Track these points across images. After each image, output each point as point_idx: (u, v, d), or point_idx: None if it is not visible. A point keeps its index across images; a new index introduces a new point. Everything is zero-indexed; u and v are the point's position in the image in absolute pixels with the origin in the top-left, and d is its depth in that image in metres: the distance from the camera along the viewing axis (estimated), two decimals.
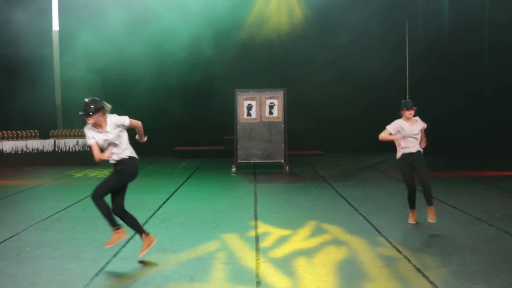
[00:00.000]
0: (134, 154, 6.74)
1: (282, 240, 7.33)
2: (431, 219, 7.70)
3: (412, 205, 8.12)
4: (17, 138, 16.57)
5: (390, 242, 7.08)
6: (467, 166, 14.95)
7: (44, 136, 17.02)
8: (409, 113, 7.90)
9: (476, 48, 16.76)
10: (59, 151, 16.79)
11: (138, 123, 6.96)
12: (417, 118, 8.02)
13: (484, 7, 16.61)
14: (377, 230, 7.79)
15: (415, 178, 7.94)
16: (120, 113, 17.77)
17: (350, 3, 18.30)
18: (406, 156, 7.88)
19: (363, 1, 18.49)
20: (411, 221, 8.14)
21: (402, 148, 7.89)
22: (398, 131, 7.86)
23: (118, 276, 5.90)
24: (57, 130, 17.37)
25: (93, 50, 18.07)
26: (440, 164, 15.22)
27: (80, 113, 6.53)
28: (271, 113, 14.63)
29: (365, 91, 18.59)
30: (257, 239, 7.38)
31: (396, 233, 7.58)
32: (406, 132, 7.84)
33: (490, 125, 16.61)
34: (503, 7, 16.27)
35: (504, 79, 16.38)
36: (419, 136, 7.94)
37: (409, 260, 6.27)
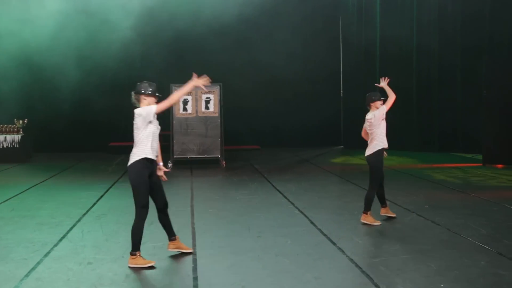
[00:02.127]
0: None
1: (219, 235, 7.37)
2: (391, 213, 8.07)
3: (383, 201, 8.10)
4: None
5: (324, 234, 7.25)
6: (397, 159, 15.45)
7: None
8: (381, 103, 7.98)
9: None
10: None
11: None
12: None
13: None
14: (312, 223, 7.95)
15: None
16: (50, 110, 17.27)
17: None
18: (382, 151, 7.80)
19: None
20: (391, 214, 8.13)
21: (380, 142, 7.76)
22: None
23: (50, 276, 5.76)
24: None
25: (20, 43, 17.41)
26: None
27: (159, 95, 6.65)
28: (207, 108, 14.63)
29: (298, 87, 18.79)
30: (193, 235, 7.38)
31: (330, 225, 7.76)
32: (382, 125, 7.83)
33: (420, 120, 17.26)
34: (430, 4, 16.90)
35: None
36: None
37: (343, 252, 6.44)
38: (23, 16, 17.46)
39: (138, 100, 6.55)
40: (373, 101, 8.01)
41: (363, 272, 5.70)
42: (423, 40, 17.00)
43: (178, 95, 6.48)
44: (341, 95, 19.52)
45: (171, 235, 6.45)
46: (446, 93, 16.61)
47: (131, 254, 6.05)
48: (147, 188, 6.26)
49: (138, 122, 6.37)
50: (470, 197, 9.83)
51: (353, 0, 18.71)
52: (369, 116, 7.91)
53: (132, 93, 6.56)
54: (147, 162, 6.22)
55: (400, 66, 17.47)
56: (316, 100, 18.97)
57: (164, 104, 6.37)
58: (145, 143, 6.28)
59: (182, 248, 6.44)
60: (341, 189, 11.04)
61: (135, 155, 6.29)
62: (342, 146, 19.26)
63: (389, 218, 8.14)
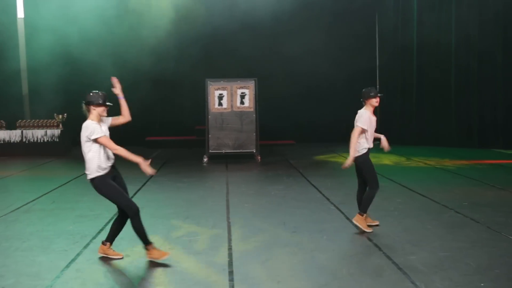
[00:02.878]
0: None
1: (254, 229, 7.38)
2: (374, 221, 7.42)
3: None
4: None
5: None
6: (435, 154, 15.21)
7: (11, 126, 16.73)
8: (377, 100, 7.53)
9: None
10: (27, 142, 16.52)
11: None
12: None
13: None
14: (348, 218, 7.89)
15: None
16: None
17: None
18: (369, 151, 7.47)
19: None
20: (375, 222, 7.45)
21: (367, 142, 7.50)
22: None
23: (89, 267, 5.87)
24: (24, 120, 17.09)
25: (60, 39, 17.77)
26: (410, 153, 15.45)
27: (109, 104, 6.51)
28: (242, 103, 14.64)
29: (333, 82, 18.65)
30: (229, 228, 7.41)
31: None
32: (372, 124, 7.45)
33: (459, 116, 16.95)
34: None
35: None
36: None
37: (379, 248, 6.38)
38: (62, 12, 17.78)
39: (88, 111, 6.36)
40: (370, 97, 7.58)
41: (399, 269, 5.63)
42: (462, 35, 16.67)
43: (123, 153, 6.26)
44: (377, 89, 19.29)
45: (109, 240, 6.25)
46: (486, 89, 16.27)
47: (146, 248, 6.07)
48: (119, 189, 6.20)
49: (83, 137, 6.20)
50: (511, 194, 9.61)
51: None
52: (359, 112, 7.59)
53: (82, 103, 6.36)
54: (106, 171, 6.15)
55: (438, 62, 17.20)
56: (351, 95, 18.75)
57: (109, 144, 6.27)
58: (97, 158, 6.20)
59: (109, 254, 6.18)
60: None
61: (93, 172, 6.18)
62: (378, 142, 19.02)
63: (425, 213, 8.02)
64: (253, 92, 14.60)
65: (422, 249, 6.31)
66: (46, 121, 16.82)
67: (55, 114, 16.64)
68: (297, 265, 5.88)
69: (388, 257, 6.01)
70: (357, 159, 7.36)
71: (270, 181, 11.51)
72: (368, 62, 19.05)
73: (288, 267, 5.82)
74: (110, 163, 6.22)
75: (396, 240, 6.75)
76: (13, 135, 16.49)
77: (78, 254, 6.31)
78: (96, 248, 6.52)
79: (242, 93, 14.62)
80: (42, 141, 16.60)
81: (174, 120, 18.85)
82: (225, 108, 14.59)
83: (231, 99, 14.58)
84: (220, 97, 14.58)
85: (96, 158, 6.12)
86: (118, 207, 6.20)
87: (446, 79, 17.03)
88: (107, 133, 6.31)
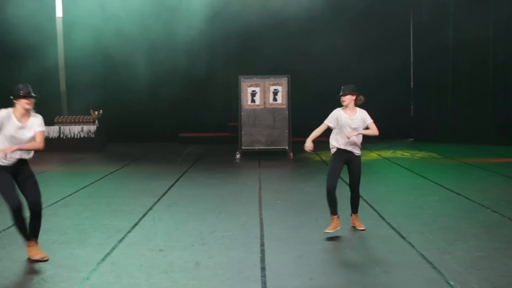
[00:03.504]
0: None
1: (286, 226, 7.36)
2: (360, 226, 7.07)
3: (334, 210, 6.89)
4: None
5: (394, 228, 7.10)
6: (471, 152, 14.93)
7: (49, 122, 17.03)
8: (341, 100, 7.24)
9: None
10: (64, 138, 16.83)
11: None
12: (361, 110, 7.25)
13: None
14: (381, 216, 7.81)
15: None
16: (123, 101, 17.79)
17: None
18: (340, 151, 7.12)
19: None
20: (330, 229, 6.72)
21: (337, 141, 7.14)
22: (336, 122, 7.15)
23: (124, 261, 5.94)
24: (62, 116, 17.40)
25: (96, 37, 18.05)
26: (445, 151, 15.20)
27: (34, 95, 6.20)
28: (275, 99, 14.62)
29: (367, 79, 18.45)
30: (261, 225, 7.40)
31: (399, 219, 7.59)
32: (342, 123, 7.10)
33: (496, 113, 16.60)
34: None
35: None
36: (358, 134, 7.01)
37: (413, 246, 6.29)
38: (99, 10, 18.02)
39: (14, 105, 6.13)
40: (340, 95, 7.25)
41: (434, 268, 5.54)
42: (500, 30, 16.31)
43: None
44: (411, 86, 19.04)
45: (28, 238, 6.02)
46: None
47: (26, 245, 5.98)
48: (7, 183, 5.87)
49: None
50: None
51: None
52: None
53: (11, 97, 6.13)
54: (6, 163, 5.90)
55: (475, 58, 16.85)
56: (385, 92, 18.60)
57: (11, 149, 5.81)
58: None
59: (36, 255, 5.94)
60: (411, 182, 10.76)
61: None
62: (412, 139, 18.82)
63: (460, 212, 7.88)
64: (286, 89, 14.57)
65: (457, 248, 6.19)
66: (83, 118, 17.10)
67: (91, 110, 16.91)
68: (329, 262, 5.85)
69: (422, 256, 5.92)
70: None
71: (302, 178, 11.48)
72: (402, 59, 18.83)
73: (320, 264, 5.78)
74: (13, 158, 5.95)
75: (430, 238, 6.64)
76: (51, 131, 16.80)
77: (113, 248, 6.38)
78: (131, 243, 6.60)
79: (275, 89, 14.60)
80: (78, 137, 16.89)
81: (207, 116, 18.93)
82: (257, 105, 14.59)
83: (264, 96, 14.57)
84: (253, 94, 14.59)
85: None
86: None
87: (483, 76, 16.68)
88: (20, 132, 6.01)
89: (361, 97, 7.25)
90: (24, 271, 5.64)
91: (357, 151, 7.14)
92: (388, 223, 7.37)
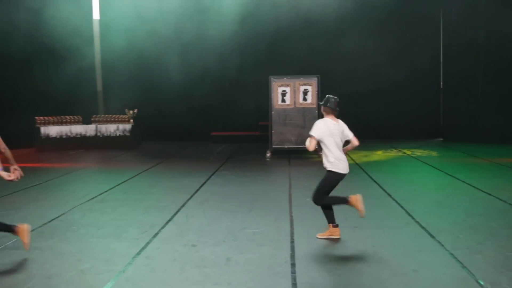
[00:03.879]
0: None
1: (316, 224, 7.34)
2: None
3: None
4: (61, 123, 16.92)
5: (423, 227, 7.02)
6: (501, 152, 14.64)
7: (86, 121, 17.35)
8: (326, 111, 6.82)
9: None
10: (101, 136, 17.09)
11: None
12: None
13: None
14: (410, 215, 7.73)
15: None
16: (157, 101, 17.85)
17: None
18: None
19: None
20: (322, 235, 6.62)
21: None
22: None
23: (158, 255, 6.01)
24: (99, 115, 17.67)
25: (131, 38, 18.27)
26: (475, 151, 14.94)
27: None
28: (305, 99, 14.59)
29: (395, 79, 18.26)
30: (291, 222, 7.41)
31: (429, 218, 7.50)
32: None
33: None
34: None
35: None
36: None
37: (442, 245, 6.21)
38: (134, 13, 18.24)
39: None
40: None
41: (464, 267, 5.46)
42: None
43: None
44: (441, 87, 18.77)
45: None
46: None
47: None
48: None
49: None
50: None
51: None
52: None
53: None
54: None
55: (506, 58, 16.49)
56: (415, 92, 18.40)
57: None
58: None
59: None
60: (440, 182, 10.61)
61: None
62: (441, 139, 18.55)
63: (491, 212, 7.74)
64: (315, 89, 14.51)
65: (488, 248, 6.09)
66: (118, 116, 17.33)
67: (127, 109, 17.13)
68: (358, 259, 5.82)
69: (452, 255, 5.84)
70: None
71: None
72: (432, 59, 18.60)
73: (349, 261, 5.76)
74: None
75: (460, 238, 6.54)
76: (89, 129, 17.09)
77: (147, 243, 6.47)
78: (165, 238, 6.67)
79: (305, 89, 14.56)
80: (114, 135, 17.13)
81: (238, 116, 18.98)
82: (288, 105, 14.57)
83: (294, 95, 14.55)
84: (283, 94, 14.58)
85: None
86: None
87: None
88: None
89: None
90: (64, 262, 5.76)
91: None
92: (417, 222, 7.29)
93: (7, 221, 7.34)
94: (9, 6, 16.39)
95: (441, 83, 18.74)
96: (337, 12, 17.46)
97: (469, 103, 17.56)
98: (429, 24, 18.65)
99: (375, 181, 10.56)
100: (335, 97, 6.77)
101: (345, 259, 5.82)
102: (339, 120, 6.77)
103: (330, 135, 6.55)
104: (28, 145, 16.69)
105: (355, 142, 6.76)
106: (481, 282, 5.01)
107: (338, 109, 6.75)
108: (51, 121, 16.81)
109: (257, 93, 18.00)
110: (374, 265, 5.62)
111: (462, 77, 17.68)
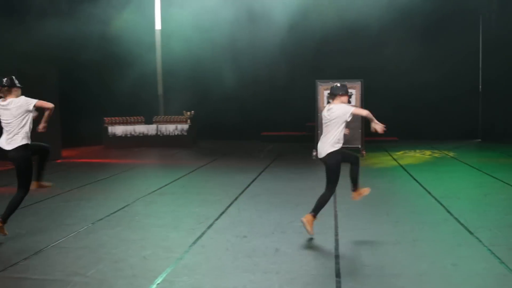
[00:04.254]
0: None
1: (359, 218, 7.26)
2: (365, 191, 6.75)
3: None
4: (126, 123, 17.35)
5: (461, 224, 6.83)
6: None
7: (148, 121, 17.71)
8: (346, 99, 6.69)
9: None
10: (161, 135, 17.42)
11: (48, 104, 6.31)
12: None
13: None
14: (448, 211, 7.54)
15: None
16: (212, 103, 17.98)
17: None
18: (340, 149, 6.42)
19: None
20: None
21: (339, 140, 6.43)
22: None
23: (212, 245, 6.08)
24: (159, 116, 18.01)
25: (189, 46, 18.52)
26: (509, 151, 14.47)
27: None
28: (349, 101, 14.37)
29: (436, 82, 17.83)
30: (335, 217, 7.35)
31: (467, 215, 7.29)
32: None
33: None
34: None
35: None
36: None
37: (480, 241, 6.03)
38: (192, 23, 18.46)
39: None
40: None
41: (502, 263, 5.28)
42: None
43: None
44: (479, 90, 18.19)
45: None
46: None
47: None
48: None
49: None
50: None
51: None
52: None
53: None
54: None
55: None
56: (454, 95, 17.91)
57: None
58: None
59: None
60: (479, 181, 10.29)
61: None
62: (479, 140, 17.99)
63: None
64: (359, 92, 14.32)
65: None
66: (177, 117, 17.61)
67: (184, 111, 17.39)
68: (398, 253, 5.71)
69: (490, 251, 5.66)
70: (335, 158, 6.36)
71: (374, 174, 11.26)
72: (471, 61, 18.10)
73: (390, 254, 5.66)
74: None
75: (498, 235, 6.33)
76: (150, 129, 17.45)
77: (203, 233, 6.54)
78: (219, 229, 6.74)
79: (349, 93, 14.37)
80: (173, 134, 17.42)
81: (286, 117, 18.97)
82: None
83: None
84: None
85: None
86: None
87: None
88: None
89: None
90: (128, 249, 5.90)
91: None
92: (456, 219, 7.10)
93: (80, 213, 7.60)
94: (82, 19, 16.89)
95: (480, 86, 18.18)
96: (380, 20, 17.15)
97: (507, 105, 16.97)
98: (468, 27, 18.10)
99: (415, 179, 10.34)
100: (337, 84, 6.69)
101: (386, 252, 5.73)
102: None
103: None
104: (97, 143, 17.21)
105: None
106: None
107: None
108: (117, 121, 17.25)
109: (304, 96, 17.93)
110: (414, 258, 5.51)
111: (501, 79, 17.09)
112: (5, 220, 6.24)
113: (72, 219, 7.33)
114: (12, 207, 6.22)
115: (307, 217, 6.29)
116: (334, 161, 6.36)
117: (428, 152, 14.97)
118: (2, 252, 5.85)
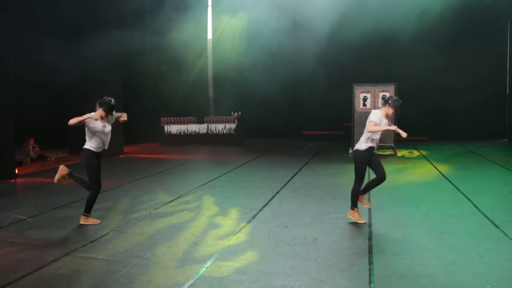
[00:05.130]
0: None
1: (391, 211, 7.16)
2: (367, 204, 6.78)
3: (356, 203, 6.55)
4: (180, 123, 17.65)
5: (488, 218, 6.63)
6: None
7: (200, 121, 17.96)
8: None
9: None
10: (211, 133, 17.63)
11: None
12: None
13: None
14: (476, 207, 7.33)
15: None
16: (257, 105, 17.98)
17: None
18: (369, 149, 6.39)
19: None
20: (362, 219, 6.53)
21: (371, 140, 6.35)
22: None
23: (256, 233, 6.13)
24: (210, 116, 18.23)
25: (236, 54, 18.66)
26: None
27: (114, 113, 6.64)
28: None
29: (465, 84, 17.25)
30: (369, 209, 7.27)
31: (494, 210, 7.07)
32: (381, 125, 6.34)
33: None
34: None
35: None
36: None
37: (506, 235, 5.84)
38: (238, 33, 18.59)
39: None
40: (393, 104, 6.46)
41: None
42: None
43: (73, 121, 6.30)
44: (507, 93, 17.53)
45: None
46: None
47: (84, 214, 6.57)
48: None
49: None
50: None
51: None
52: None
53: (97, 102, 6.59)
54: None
55: None
56: (482, 96, 17.31)
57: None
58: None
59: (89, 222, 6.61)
60: (506, 178, 9.93)
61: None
62: (506, 139, 17.34)
63: None
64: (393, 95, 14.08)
65: None
66: (225, 118, 17.77)
67: (232, 112, 17.54)
68: (427, 244, 5.60)
69: None
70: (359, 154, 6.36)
71: (406, 171, 11.05)
72: (499, 65, 17.46)
73: (419, 245, 5.56)
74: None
75: None
76: (202, 128, 17.69)
77: (248, 222, 6.61)
78: (262, 219, 6.79)
79: (383, 95, 14.16)
80: (222, 133, 17.59)
81: (326, 117, 18.84)
82: (368, 108, 14.23)
83: (373, 100, 14.21)
84: (365, 99, 14.28)
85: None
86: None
87: None
88: (100, 129, 6.50)
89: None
90: (181, 235, 6.03)
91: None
92: (483, 213, 6.90)
93: (138, 203, 7.81)
94: (143, 30, 17.29)
95: (507, 89, 17.52)
96: (412, 29, 16.77)
97: None
98: (496, 30, 17.47)
99: (444, 176, 10.09)
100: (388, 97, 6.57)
101: (415, 243, 5.63)
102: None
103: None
104: (154, 140, 17.61)
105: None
106: None
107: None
108: (172, 121, 17.57)
109: (342, 98, 17.77)
110: (442, 249, 5.40)
111: None
112: (87, 211, 6.65)
113: (132, 207, 7.54)
114: (89, 202, 6.58)
115: (349, 213, 6.54)
116: (357, 158, 6.38)
117: (457, 150, 14.56)
118: (73, 236, 6.10)
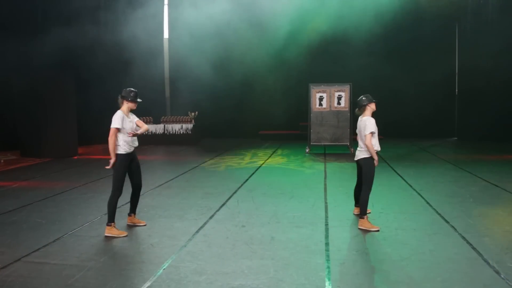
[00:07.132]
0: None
1: (347, 209, 7.31)
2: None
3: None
4: None
5: (439, 214, 6.89)
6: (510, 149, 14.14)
7: (156, 121, 17.72)
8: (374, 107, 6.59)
9: None
10: (167, 134, 17.43)
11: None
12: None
13: None
14: (428, 203, 7.59)
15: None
16: (214, 105, 17.84)
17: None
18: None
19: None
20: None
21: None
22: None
23: (214, 234, 6.13)
24: (166, 116, 18.02)
25: (192, 53, 18.51)
26: (486, 149, 14.49)
27: (139, 100, 6.49)
28: (339, 103, 14.46)
29: (416, 85, 17.81)
30: (326, 208, 7.40)
31: (444, 206, 7.35)
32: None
33: None
34: None
35: None
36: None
37: (455, 229, 6.09)
38: (195, 33, 18.44)
39: (121, 103, 6.54)
40: (370, 101, 6.70)
41: (473, 248, 5.35)
42: None
43: (110, 145, 6.17)
44: (456, 93, 18.23)
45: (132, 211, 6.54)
46: None
47: (107, 225, 6.05)
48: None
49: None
50: None
51: (472, 5, 17.30)
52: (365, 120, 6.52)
53: (118, 96, 6.51)
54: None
55: None
56: (433, 96, 17.94)
57: (111, 133, 6.29)
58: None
59: (136, 223, 6.50)
60: (455, 175, 10.34)
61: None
62: (456, 138, 18.03)
63: (498, 202, 7.50)
64: (348, 95, 14.38)
65: (495, 232, 5.94)
66: (182, 118, 17.63)
67: (189, 112, 17.40)
68: (382, 240, 5.77)
69: (464, 238, 5.73)
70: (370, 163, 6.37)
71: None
72: (448, 72, 18.08)
73: (375, 241, 5.72)
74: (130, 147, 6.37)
75: (470, 223, 6.40)
76: (158, 128, 17.46)
77: (205, 223, 6.59)
78: (219, 219, 6.78)
79: (339, 95, 14.44)
80: (178, 133, 17.43)
81: (282, 117, 18.99)
82: (324, 108, 14.49)
83: (329, 100, 14.46)
84: (321, 99, 14.50)
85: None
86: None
87: None
88: (131, 125, 6.42)
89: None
90: (137, 237, 5.95)
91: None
92: (434, 209, 7.16)
93: (94, 205, 7.62)
94: (97, 26, 16.89)
95: (456, 90, 18.21)
96: (367, 33, 17.16)
97: (480, 107, 17.01)
98: (446, 39, 18.13)
99: (398, 174, 10.39)
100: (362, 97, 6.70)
101: (371, 240, 5.78)
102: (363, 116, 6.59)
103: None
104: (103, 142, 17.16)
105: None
106: (489, 262, 4.90)
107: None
108: None
109: (298, 98, 17.96)
110: (397, 245, 5.57)
111: (475, 86, 17.11)
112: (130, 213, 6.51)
113: (86, 210, 7.37)
114: (109, 209, 6.08)
115: (360, 223, 6.29)
116: (368, 165, 6.37)
117: (408, 149, 15.02)
118: (25, 240, 5.90)
